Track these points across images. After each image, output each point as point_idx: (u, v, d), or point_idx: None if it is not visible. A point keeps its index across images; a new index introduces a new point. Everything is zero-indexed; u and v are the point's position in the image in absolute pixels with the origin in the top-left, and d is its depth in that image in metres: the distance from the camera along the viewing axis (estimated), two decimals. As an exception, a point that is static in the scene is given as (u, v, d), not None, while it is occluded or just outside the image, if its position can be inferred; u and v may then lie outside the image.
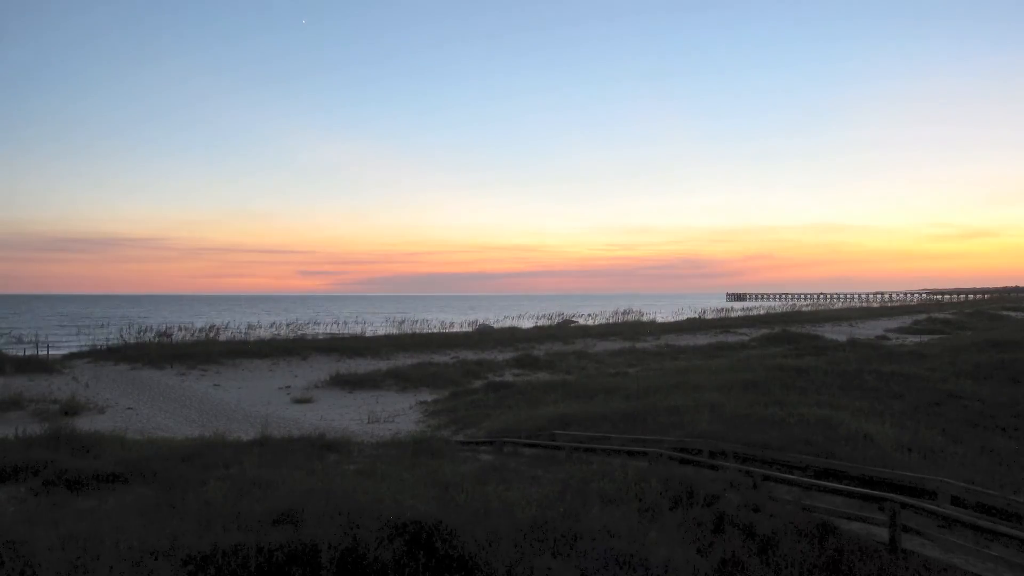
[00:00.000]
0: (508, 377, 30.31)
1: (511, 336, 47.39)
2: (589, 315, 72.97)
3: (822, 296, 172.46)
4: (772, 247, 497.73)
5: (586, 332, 52.16)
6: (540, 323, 64.05)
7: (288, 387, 27.99)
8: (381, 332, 50.36)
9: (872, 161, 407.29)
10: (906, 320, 70.02)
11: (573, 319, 69.44)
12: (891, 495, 8.70)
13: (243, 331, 44.17)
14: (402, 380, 28.74)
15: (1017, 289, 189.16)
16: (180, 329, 41.84)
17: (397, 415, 22.42)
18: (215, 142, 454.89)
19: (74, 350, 35.08)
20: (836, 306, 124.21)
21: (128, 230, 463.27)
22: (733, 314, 79.11)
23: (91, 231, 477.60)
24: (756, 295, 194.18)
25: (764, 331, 52.20)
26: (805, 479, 10.21)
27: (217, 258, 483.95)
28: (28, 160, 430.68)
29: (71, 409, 21.00)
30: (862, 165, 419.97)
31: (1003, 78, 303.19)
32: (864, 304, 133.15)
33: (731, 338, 50.02)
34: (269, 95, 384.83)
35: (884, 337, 50.77)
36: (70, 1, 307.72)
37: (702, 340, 48.12)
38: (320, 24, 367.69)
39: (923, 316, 73.71)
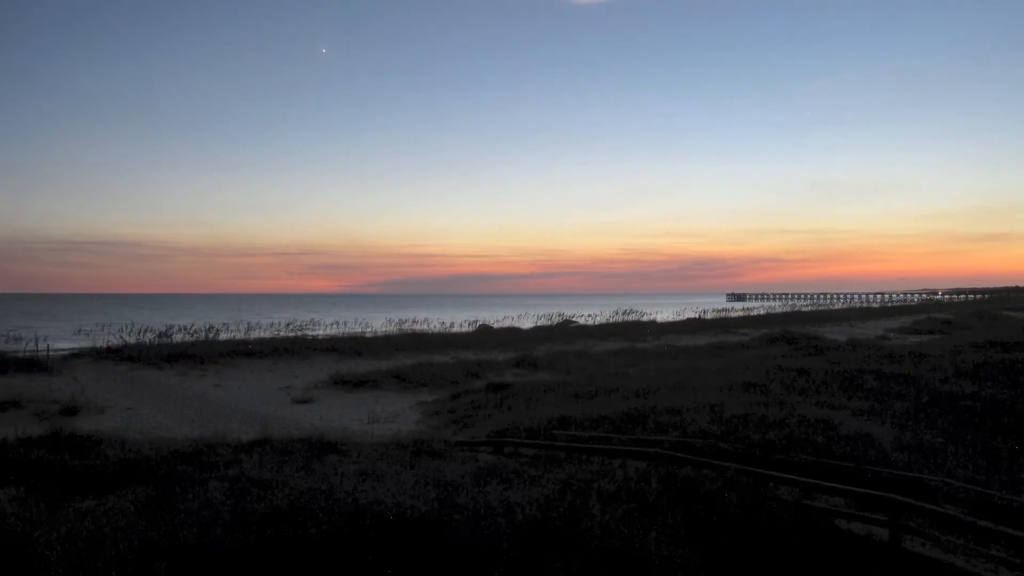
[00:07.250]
0: (508, 377, 30.27)
1: (511, 336, 47.40)
2: (589, 315, 73.00)
3: (822, 296, 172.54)
4: (774, 248, 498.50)
5: (586, 332, 52.19)
6: (540, 323, 64.07)
7: (288, 387, 27.99)
8: (381, 332, 50.34)
9: (873, 160, 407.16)
10: (906, 320, 70.01)
11: (573, 319, 69.43)
12: (891, 495, 8.69)
13: (243, 331, 44.20)
14: (402, 380, 28.70)
15: (1017, 289, 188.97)
16: (180, 329, 41.88)
17: (397, 415, 22.40)
18: (216, 144, 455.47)
19: (74, 350, 35.07)
20: (836, 306, 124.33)
21: (130, 232, 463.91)
22: (733, 314, 79.17)
23: (92, 234, 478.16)
24: (756, 295, 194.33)
25: (764, 331, 52.12)
26: (805, 479, 10.21)
27: (219, 259, 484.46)
28: (34, 166, 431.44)
29: (71, 409, 21.00)
30: (863, 164, 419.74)
31: (1005, 77, 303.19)
32: (864, 304, 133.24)
33: (731, 338, 49.95)
34: (266, 93, 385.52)
35: (884, 337, 50.80)
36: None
37: (702, 340, 48.08)
38: (341, 50, 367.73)
39: (923, 316, 73.68)
